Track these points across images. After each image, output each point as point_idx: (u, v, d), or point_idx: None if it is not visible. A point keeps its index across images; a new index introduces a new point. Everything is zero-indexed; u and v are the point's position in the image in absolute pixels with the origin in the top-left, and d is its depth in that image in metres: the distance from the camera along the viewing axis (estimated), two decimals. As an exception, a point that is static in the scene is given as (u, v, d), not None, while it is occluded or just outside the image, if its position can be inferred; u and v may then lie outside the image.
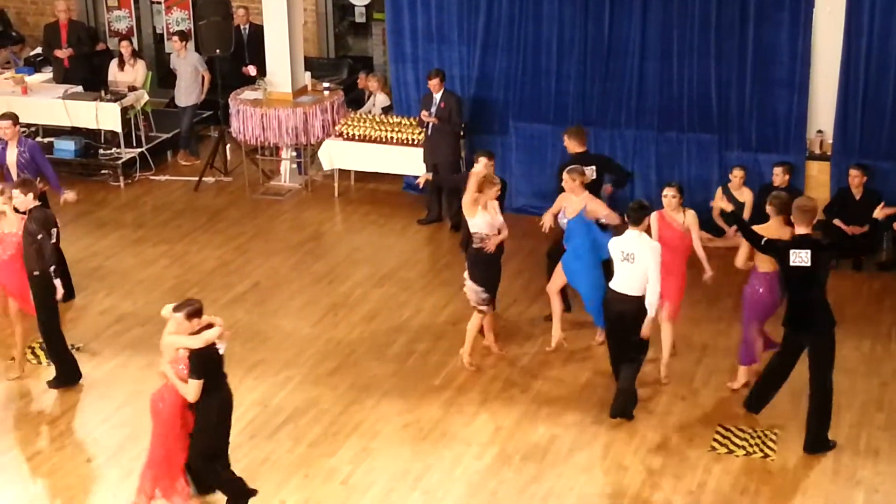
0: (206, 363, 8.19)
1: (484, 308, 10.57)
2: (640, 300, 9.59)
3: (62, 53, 16.55)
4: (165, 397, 8.41)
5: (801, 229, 9.25)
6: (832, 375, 9.38)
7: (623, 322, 9.73)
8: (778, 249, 9.28)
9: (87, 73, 16.45)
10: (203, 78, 16.00)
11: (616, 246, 9.73)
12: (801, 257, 9.11)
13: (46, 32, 16.89)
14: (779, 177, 12.63)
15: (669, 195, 10.38)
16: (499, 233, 10.45)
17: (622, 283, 9.69)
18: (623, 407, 9.81)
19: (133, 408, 10.20)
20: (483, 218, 10.35)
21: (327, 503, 8.95)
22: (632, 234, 9.68)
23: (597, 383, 10.43)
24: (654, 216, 10.23)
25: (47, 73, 17.03)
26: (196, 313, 8.24)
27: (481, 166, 10.95)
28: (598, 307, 10.30)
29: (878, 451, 9.46)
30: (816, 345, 9.31)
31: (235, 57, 16.15)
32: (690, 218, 10.37)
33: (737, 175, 12.74)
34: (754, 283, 9.94)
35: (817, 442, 9.43)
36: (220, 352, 8.34)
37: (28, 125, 16.22)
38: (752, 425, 9.78)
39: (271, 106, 14.80)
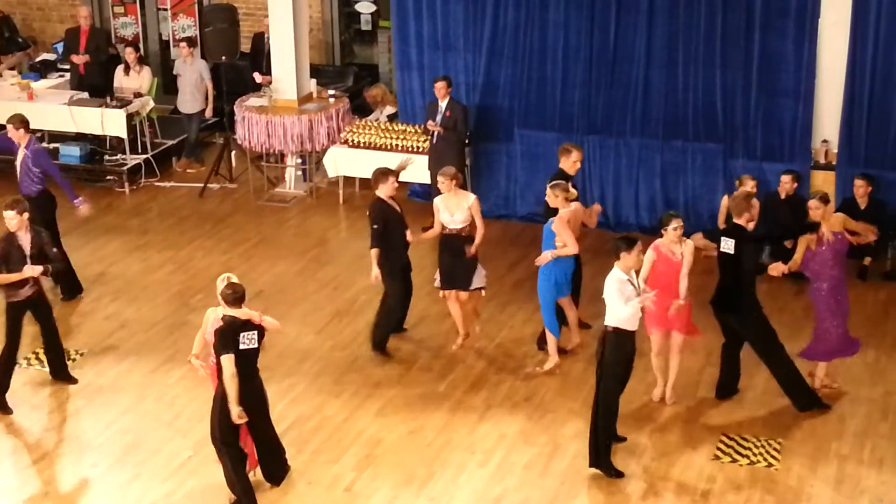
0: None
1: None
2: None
3: (78, 59, 16.52)
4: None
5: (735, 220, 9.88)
6: (781, 352, 9.94)
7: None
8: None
9: (102, 81, 16.44)
10: (206, 88, 15.97)
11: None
12: (727, 245, 9.73)
13: (67, 37, 16.89)
14: (787, 185, 12.63)
15: (679, 227, 9.77)
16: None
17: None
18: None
19: (136, 413, 10.23)
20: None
21: (331, 510, 8.97)
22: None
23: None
24: (649, 250, 9.71)
25: (53, 80, 17.07)
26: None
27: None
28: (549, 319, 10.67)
29: (882, 460, 9.45)
30: (743, 328, 9.95)
31: (254, 64, 16.20)
32: (689, 250, 9.80)
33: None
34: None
35: (807, 401, 10.04)
36: (248, 345, 8.68)
37: (34, 131, 16.23)
38: (757, 434, 9.77)
39: (276, 113, 14.82)
